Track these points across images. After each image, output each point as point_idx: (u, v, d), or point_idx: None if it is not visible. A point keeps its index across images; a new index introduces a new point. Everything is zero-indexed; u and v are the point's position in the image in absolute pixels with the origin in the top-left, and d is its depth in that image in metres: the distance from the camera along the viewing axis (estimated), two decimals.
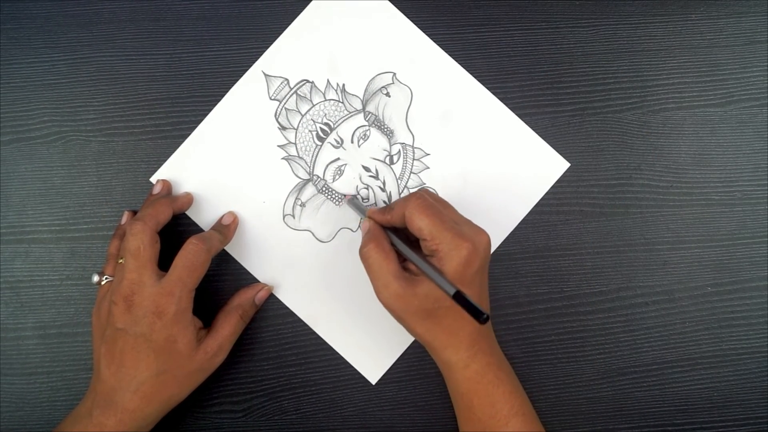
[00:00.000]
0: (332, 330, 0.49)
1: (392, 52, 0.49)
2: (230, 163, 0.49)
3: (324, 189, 0.49)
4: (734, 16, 0.50)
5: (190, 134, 0.49)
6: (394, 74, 0.49)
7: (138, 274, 0.42)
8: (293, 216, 0.49)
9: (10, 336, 0.48)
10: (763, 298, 0.49)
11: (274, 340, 0.49)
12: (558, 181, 0.49)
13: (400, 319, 0.42)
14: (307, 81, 0.49)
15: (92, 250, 0.49)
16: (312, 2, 0.49)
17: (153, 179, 0.49)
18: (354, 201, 0.48)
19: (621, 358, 0.49)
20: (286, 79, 0.49)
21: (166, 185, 0.48)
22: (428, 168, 0.49)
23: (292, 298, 0.49)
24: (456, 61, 0.49)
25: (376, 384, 0.48)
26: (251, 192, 0.49)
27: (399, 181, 0.49)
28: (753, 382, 0.48)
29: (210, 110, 0.49)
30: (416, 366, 0.48)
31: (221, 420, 0.48)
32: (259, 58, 0.49)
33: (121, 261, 0.43)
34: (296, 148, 0.49)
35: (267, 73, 0.49)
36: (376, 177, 0.49)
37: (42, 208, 0.49)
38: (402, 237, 0.43)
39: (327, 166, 0.49)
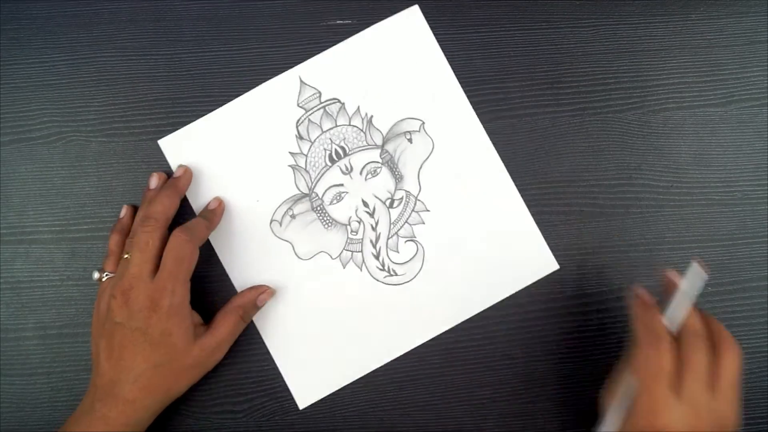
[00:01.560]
0: (280, 342, 0.48)
1: (428, 100, 0.49)
2: (239, 152, 0.49)
3: (318, 209, 0.49)
4: (734, 16, 0.50)
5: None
6: (423, 123, 0.49)
7: (140, 269, 0.42)
8: (280, 224, 0.49)
9: (10, 336, 0.48)
10: (764, 298, 0.49)
11: None
12: (558, 182, 0.49)
13: None
14: (339, 101, 0.49)
15: (93, 251, 0.49)
16: (377, 24, 0.49)
17: (162, 143, 0.49)
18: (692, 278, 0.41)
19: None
20: (319, 92, 0.49)
21: (162, 178, 0.48)
22: (423, 223, 0.49)
23: (259, 311, 0.48)
24: (461, 80, 0.49)
25: (375, 384, 0.48)
26: (249, 186, 0.49)
27: (392, 226, 0.49)
28: (753, 382, 0.48)
29: (209, 111, 0.49)
30: (417, 366, 0.48)
31: (222, 420, 0.48)
32: (258, 58, 0.49)
33: (126, 256, 0.43)
34: (306, 161, 0.49)
35: (303, 79, 0.49)
36: (372, 215, 0.49)
37: (42, 209, 0.49)
38: None
39: (329, 188, 0.49)
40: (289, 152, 0.49)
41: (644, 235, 0.49)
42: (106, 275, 0.45)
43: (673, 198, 0.49)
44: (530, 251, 0.49)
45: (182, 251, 0.43)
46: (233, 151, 0.49)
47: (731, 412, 0.38)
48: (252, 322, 0.48)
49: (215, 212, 0.47)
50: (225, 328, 0.45)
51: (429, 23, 0.50)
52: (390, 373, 0.48)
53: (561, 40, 0.50)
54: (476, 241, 0.49)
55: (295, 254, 0.49)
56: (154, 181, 0.47)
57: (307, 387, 0.48)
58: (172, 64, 0.49)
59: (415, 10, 0.50)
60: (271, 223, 0.49)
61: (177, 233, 0.43)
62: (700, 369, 0.38)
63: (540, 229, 0.49)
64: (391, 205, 0.49)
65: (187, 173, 0.48)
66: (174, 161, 0.49)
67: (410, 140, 0.49)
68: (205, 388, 0.48)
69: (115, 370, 0.42)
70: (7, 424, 0.48)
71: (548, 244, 0.49)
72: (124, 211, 0.48)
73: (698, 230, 0.49)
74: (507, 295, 0.48)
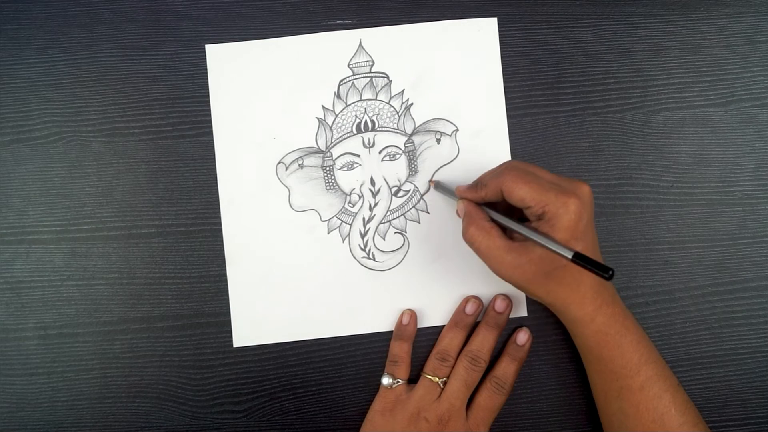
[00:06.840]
0: (240, 279, 0.48)
1: (470, 110, 0.49)
2: (276, 86, 0.49)
3: (327, 169, 0.49)
4: (734, 16, 0.50)
5: (190, 134, 0.49)
6: (457, 130, 0.49)
7: (461, 403, 0.45)
8: (286, 168, 0.49)
9: (10, 337, 0.48)
10: (764, 297, 0.49)
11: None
12: None
13: (522, 288, 0.42)
14: (387, 77, 0.50)
15: (93, 251, 0.49)
16: (452, 21, 0.50)
17: (210, 49, 0.49)
18: (440, 185, 0.48)
19: None
20: (373, 61, 0.50)
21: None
22: (419, 222, 0.49)
23: (234, 238, 0.49)
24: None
25: (375, 384, 0.48)
26: (272, 122, 0.49)
27: (388, 213, 0.49)
28: (753, 382, 0.48)
29: (209, 111, 0.49)
30: (416, 366, 0.48)
31: (222, 420, 0.48)
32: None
33: (437, 380, 0.46)
34: (334, 120, 0.49)
35: (363, 44, 0.50)
36: (374, 195, 0.49)
37: (42, 209, 0.49)
38: (498, 209, 0.43)
39: (345, 154, 0.49)
40: (322, 105, 0.49)
41: (644, 235, 0.49)
42: (397, 382, 0.47)
43: (673, 198, 0.49)
44: (508, 293, 0.49)
45: (497, 402, 0.46)
46: (271, 83, 0.49)
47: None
48: (224, 262, 0.48)
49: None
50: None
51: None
52: None
53: (561, 40, 0.50)
54: (461, 260, 0.49)
55: (289, 202, 0.49)
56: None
57: (248, 329, 0.48)
58: (171, 63, 0.49)
59: (492, 21, 0.50)
60: (278, 164, 0.49)
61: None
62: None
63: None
64: (395, 194, 0.49)
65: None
66: (214, 70, 0.49)
67: (438, 141, 0.49)
68: (206, 388, 0.48)
69: None
70: (7, 425, 0.48)
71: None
72: (408, 318, 0.48)
73: (698, 230, 0.49)
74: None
